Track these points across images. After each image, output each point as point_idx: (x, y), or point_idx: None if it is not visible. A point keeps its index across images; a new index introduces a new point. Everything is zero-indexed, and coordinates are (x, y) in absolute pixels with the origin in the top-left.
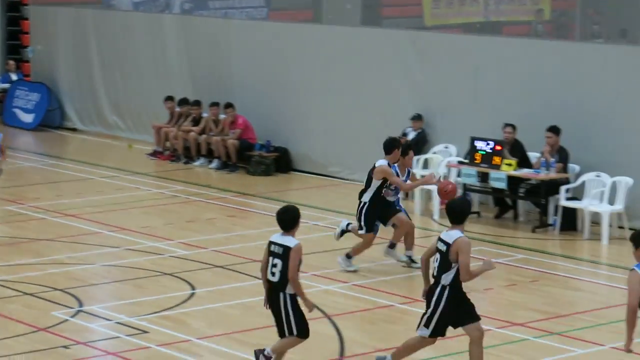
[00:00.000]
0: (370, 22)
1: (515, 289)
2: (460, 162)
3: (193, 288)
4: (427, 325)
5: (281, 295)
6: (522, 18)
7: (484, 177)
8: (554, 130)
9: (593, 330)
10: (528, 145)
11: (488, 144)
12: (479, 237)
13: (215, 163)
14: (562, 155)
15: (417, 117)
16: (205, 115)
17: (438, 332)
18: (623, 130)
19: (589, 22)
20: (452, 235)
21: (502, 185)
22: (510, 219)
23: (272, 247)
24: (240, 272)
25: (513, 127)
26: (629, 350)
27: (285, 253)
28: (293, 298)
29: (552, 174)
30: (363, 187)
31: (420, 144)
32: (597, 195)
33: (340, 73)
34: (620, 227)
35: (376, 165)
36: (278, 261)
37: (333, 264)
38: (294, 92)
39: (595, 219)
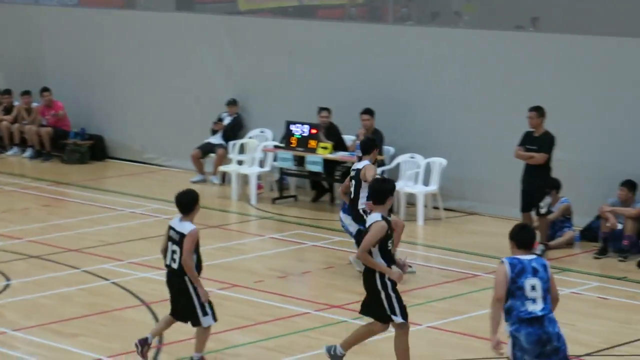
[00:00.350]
0: (184, 7)
1: (333, 271)
2: (276, 147)
3: (8, 279)
4: (394, 312)
5: (185, 279)
6: (336, 2)
7: (300, 160)
8: (369, 112)
9: (411, 309)
10: (343, 128)
11: (303, 128)
12: (296, 220)
13: (29, 152)
14: (377, 138)
15: (233, 102)
16: (16, 104)
17: (405, 313)
18: (436, 112)
19: (400, 6)
20: (371, 218)
21: (318, 168)
22: (327, 202)
23: (171, 233)
24: (56, 262)
25: (328, 110)
26: (497, 345)
27: (181, 239)
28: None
29: None
30: (352, 196)
31: (236, 129)
32: (412, 177)
33: (154, 59)
34: (435, 208)
35: (365, 166)
36: (176, 248)
37: (150, 251)
38: (108, 79)
39: (411, 200)
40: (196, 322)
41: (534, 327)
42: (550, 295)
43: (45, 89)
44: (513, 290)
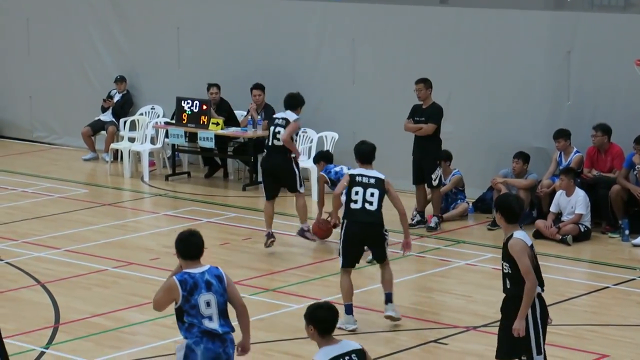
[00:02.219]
0: None
1: (229, 247)
2: (168, 123)
3: None
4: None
5: None
6: None
7: (192, 137)
8: (260, 87)
9: (306, 285)
10: (234, 104)
11: (194, 104)
12: (190, 197)
13: None
14: (268, 113)
15: (121, 79)
16: None
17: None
18: (326, 86)
19: None
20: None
21: (210, 144)
22: (221, 178)
23: None
24: None
25: (218, 87)
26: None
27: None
28: None
29: (259, 132)
30: None
31: (127, 106)
32: (305, 151)
33: (43, 36)
34: None
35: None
36: None
37: (43, 230)
38: None
39: (306, 175)
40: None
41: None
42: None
43: None
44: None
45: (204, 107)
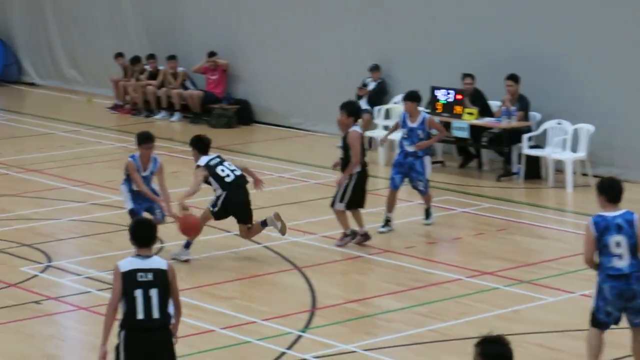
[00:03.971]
0: None
1: (483, 237)
2: None
3: (162, 242)
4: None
5: None
6: None
7: (446, 126)
8: (514, 78)
9: (561, 277)
10: (488, 94)
11: (449, 93)
12: (445, 186)
13: (176, 116)
14: (523, 104)
15: (376, 68)
16: (162, 68)
17: None
18: (582, 78)
19: None
20: None
21: (464, 134)
22: (475, 168)
23: None
24: (207, 225)
25: (472, 77)
26: None
27: None
28: None
29: (514, 122)
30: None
31: (381, 94)
32: (560, 143)
33: (296, 24)
34: (584, 175)
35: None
36: None
37: (300, 215)
38: (251, 44)
39: (559, 167)
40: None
41: (620, 282)
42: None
43: (212, 53)
44: (600, 248)
45: (459, 97)
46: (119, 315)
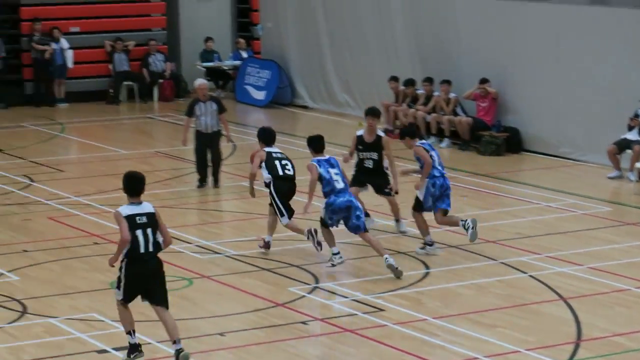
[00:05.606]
0: (598, 0)
1: None
2: None
3: (427, 267)
4: None
5: None
6: None
7: None
8: None
9: None
10: None
11: None
12: None
13: (445, 142)
14: None
15: None
16: (436, 94)
17: None
18: None
19: None
20: None
21: None
22: None
23: None
24: (473, 253)
25: None
26: None
27: None
28: None
29: None
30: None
31: None
32: None
33: (569, 52)
34: None
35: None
36: None
37: (566, 245)
38: (522, 72)
39: None
40: None
41: None
42: None
43: (484, 80)
44: None
45: None
46: None
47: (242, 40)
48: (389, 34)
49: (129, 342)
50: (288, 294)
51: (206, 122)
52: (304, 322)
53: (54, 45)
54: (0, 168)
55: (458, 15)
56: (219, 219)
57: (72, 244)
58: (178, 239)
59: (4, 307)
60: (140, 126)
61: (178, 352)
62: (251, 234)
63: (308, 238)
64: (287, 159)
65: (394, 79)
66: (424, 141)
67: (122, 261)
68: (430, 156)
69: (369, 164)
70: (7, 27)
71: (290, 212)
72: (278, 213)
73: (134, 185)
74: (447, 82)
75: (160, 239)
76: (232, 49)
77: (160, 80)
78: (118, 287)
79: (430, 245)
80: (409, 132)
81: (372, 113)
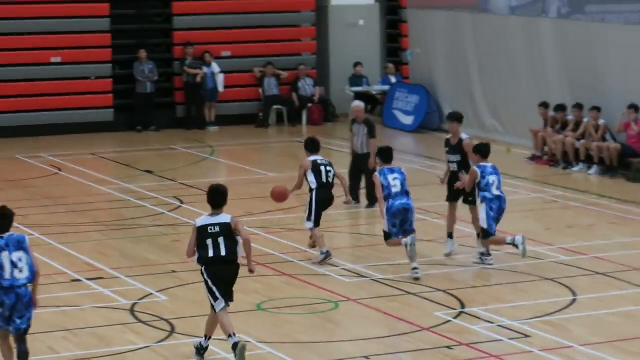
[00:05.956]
0: None
1: None
2: None
3: (574, 294)
4: None
5: None
6: None
7: None
8: None
9: None
10: None
11: None
12: None
13: (594, 169)
14: None
15: None
16: (585, 120)
17: None
18: None
19: None
20: None
21: None
22: None
23: None
24: (621, 280)
25: None
26: None
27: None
28: None
29: None
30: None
31: None
32: None
33: None
34: None
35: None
36: None
37: None
38: None
39: None
40: None
41: None
42: None
43: (633, 106)
44: None
45: None
46: None
47: (391, 65)
48: (538, 60)
49: (200, 343)
50: (434, 319)
51: (358, 143)
52: (449, 347)
53: (205, 69)
54: (151, 190)
55: (609, 42)
56: (366, 242)
57: None
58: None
59: (153, 327)
60: (289, 149)
61: (235, 344)
62: (398, 258)
63: (323, 254)
64: (331, 166)
65: (544, 105)
66: (487, 164)
67: (201, 271)
68: (488, 181)
69: (454, 167)
70: (160, 51)
71: (318, 221)
72: (306, 216)
73: (215, 198)
74: (596, 108)
75: (238, 243)
76: (381, 74)
77: (309, 105)
78: (214, 298)
79: (488, 255)
80: (482, 151)
81: (452, 118)
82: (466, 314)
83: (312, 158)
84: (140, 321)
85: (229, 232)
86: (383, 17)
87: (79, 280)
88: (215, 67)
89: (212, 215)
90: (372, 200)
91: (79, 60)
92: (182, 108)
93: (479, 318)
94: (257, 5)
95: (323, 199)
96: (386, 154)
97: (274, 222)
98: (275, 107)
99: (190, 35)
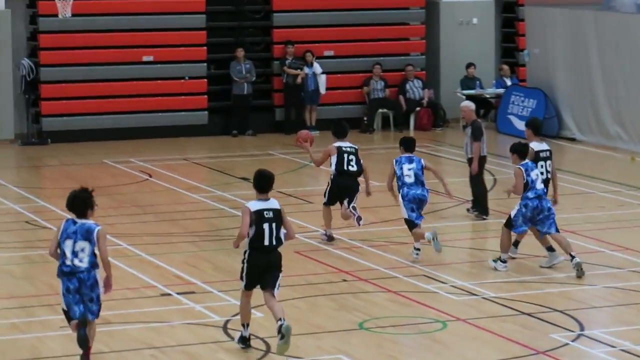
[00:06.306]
0: None
1: None
2: None
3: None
4: None
5: None
6: None
7: None
8: None
9: None
10: None
11: None
12: None
13: None
14: None
15: None
16: None
17: None
18: None
19: None
20: None
21: None
22: None
23: None
24: None
25: None
26: None
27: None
28: None
29: None
30: None
31: None
32: None
33: None
34: None
35: None
36: None
37: None
38: None
39: None
40: None
41: None
42: None
43: None
44: None
45: None
46: None
47: (506, 67)
48: None
49: (241, 334)
50: (550, 341)
51: (466, 146)
52: None
53: (306, 70)
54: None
55: None
56: (477, 257)
57: (319, 280)
58: (431, 278)
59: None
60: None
61: (280, 326)
62: (513, 276)
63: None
64: (355, 154)
65: None
66: (527, 162)
67: (245, 252)
68: (530, 179)
69: None
70: (258, 50)
71: (333, 202)
72: (324, 196)
73: (263, 182)
74: None
75: (283, 233)
76: (495, 76)
77: (418, 109)
78: (241, 277)
79: (504, 262)
80: (520, 151)
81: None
82: (585, 336)
83: (338, 144)
84: (233, 339)
85: (279, 218)
86: (498, 15)
87: (169, 295)
88: (317, 67)
89: (261, 200)
90: (486, 210)
91: (172, 59)
92: (281, 111)
93: (599, 341)
94: (362, 1)
95: (340, 185)
96: (408, 143)
97: (377, 235)
98: (380, 110)
99: (290, 33)
